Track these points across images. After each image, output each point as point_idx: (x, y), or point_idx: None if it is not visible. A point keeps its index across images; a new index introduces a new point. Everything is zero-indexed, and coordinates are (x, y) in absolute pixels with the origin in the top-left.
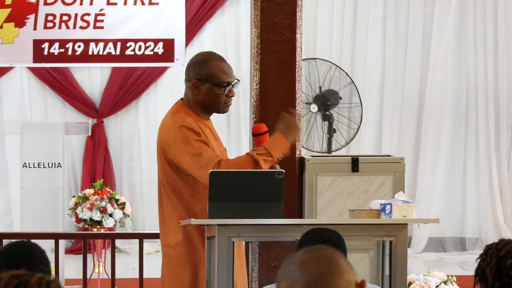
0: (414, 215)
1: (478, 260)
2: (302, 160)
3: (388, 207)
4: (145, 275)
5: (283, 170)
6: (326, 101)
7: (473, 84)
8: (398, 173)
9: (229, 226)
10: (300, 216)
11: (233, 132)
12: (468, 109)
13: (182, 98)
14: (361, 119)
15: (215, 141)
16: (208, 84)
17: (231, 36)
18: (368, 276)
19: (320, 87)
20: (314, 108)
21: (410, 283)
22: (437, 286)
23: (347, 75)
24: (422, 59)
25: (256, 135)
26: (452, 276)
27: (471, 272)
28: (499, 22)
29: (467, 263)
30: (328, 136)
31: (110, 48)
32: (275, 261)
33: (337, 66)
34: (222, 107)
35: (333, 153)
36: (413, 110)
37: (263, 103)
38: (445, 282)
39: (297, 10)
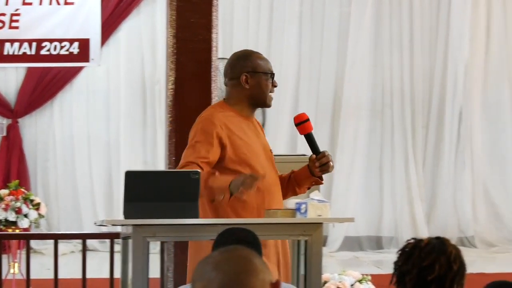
0: (329, 214)
1: (398, 261)
2: None
3: (303, 206)
4: (60, 276)
5: (199, 170)
6: None
7: (389, 84)
8: None
9: (144, 226)
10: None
11: (149, 132)
12: (384, 109)
13: (223, 100)
14: (264, 121)
15: (256, 139)
16: (257, 75)
17: (147, 36)
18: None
19: None
20: None
21: (325, 282)
22: (352, 285)
23: None
24: (338, 58)
25: (299, 124)
26: (367, 275)
27: (386, 271)
28: (415, 22)
29: (383, 262)
30: None
31: (25, 48)
32: None
33: None
34: (269, 99)
35: None
36: (329, 110)
37: (179, 102)
38: (360, 281)
39: (212, 9)
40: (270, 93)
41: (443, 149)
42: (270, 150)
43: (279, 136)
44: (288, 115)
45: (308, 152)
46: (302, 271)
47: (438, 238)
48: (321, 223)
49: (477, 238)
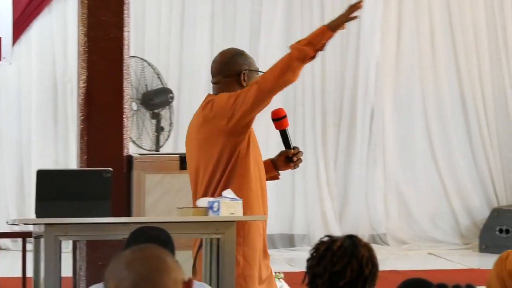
0: (242, 213)
1: (310, 262)
2: (129, 158)
3: (216, 204)
4: None
5: (111, 169)
6: (150, 99)
7: (300, 82)
8: None
9: (56, 225)
10: (128, 214)
11: (60, 131)
12: (295, 107)
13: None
14: (171, 121)
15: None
16: (252, 73)
17: (59, 34)
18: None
19: (146, 85)
20: (134, 106)
21: None
22: None
23: (158, 77)
24: None
25: (276, 119)
26: (279, 272)
27: (298, 268)
28: (326, 20)
29: (295, 260)
30: (156, 134)
31: None
32: (103, 260)
33: (151, 65)
34: None
35: (160, 151)
36: None
37: (90, 101)
38: None
39: (124, 8)
40: None
41: (355, 147)
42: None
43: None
44: None
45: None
46: (214, 269)
47: (351, 237)
48: (233, 221)
49: (389, 236)
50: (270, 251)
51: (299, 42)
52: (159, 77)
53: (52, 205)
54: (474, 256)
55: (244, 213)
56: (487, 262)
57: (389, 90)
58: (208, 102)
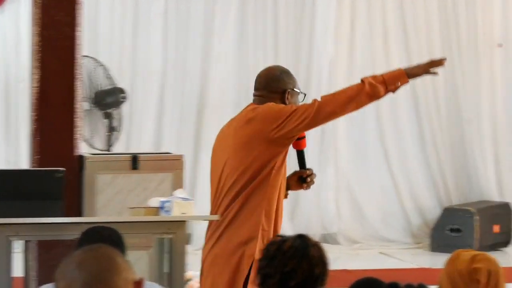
0: (194, 212)
1: (262, 262)
2: (81, 158)
3: (167, 204)
4: None
5: (63, 168)
6: (102, 99)
7: (254, 81)
8: (177, 171)
9: (6, 225)
10: (80, 214)
11: (12, 131)
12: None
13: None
14: (122, 121)
15: None
16: (295, 94)
17: (12, 34)
18: (147, 274)
19: (98, 85)
20: (86, 106)
21: (189, 280)
22: None
23: (110, 77)
24: (203, 56)
25: (296, 139)
26: None
27: None
28: (279, 19)
29: None
30: (108, 134)
31: None
32: (55, 261)
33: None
34: None
35: (112, 151)
36: (193, 108)
37: (43, 101)
38: None
39: (77, 7)
40: None
41: (307, 146)
42: None
43: (143, 134)
44: (154, 113)
45: (176, 151)
46: (166, 269)
47: (301, 237)
48: (185, 221)
49: (340, 235)
50: None
51: (374, 77)
52: (110, 77)
53: (4, 205)
54: (425, 255)
55: (268, 226)
56: (438, 261)
57: None
58: (253, 108)
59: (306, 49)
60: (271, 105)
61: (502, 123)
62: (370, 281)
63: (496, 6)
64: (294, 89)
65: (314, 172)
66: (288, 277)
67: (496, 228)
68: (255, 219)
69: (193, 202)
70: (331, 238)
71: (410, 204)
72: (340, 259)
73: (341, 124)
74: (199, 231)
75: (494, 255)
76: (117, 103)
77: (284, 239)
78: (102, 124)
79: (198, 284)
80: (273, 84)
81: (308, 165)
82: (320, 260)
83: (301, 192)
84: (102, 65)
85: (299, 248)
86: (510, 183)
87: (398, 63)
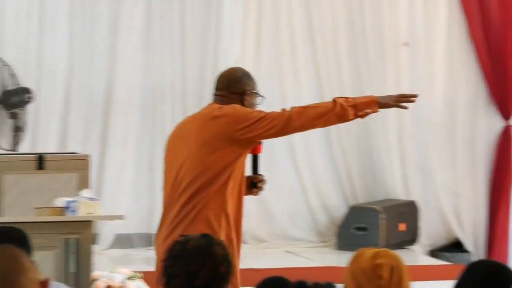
0: (100, 212)
1: (166, 262)
2: None
3: (73, 204)
4: None
5: None
6: (8, 99)
7: (160, 82)
8: (83, 170)
9: None
10: None
11: None
12: (155, 106)
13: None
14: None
15: None
16: (253, 96)
17: None
18: (53, 274)
19: (3, 85)
20: None
21: (95, 280)
22: (122, 282)
23: (14, 76)
24: (109, 56)
25: None
26: (138, 272)
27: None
28: (186, 19)
29: (154, 259)
30: (14, 133)
31: None
32: None
33: (7, 64)
34: None
35: (18, 151)
36: (100, 107)
37: None
38: (130, 278)
39: None
40: None
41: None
42: None
43: (49, 134)
44: (59, 112)
45: (82, 150)
46: (72, 269)
47: (205, 236)
48: (91, 221)
49: (247, 234)
50: (128, 251)
51: (346, 100)
52: (15, 77)
53: None
54: (332, 254)
55: (228, 226)
56: (344, 259)
57: None
58: (219, 107)
59: (212, 49)
60: (238, 106)
61: (407, 122)
62: (276, 280)
63: (401, 5)
64: (253, 91)
65: (264, 178)
66: (193, 276)
67: (402, 227)
68: (214, 218)
69: (100, 202)
70: None
71: (317, 203)
72: (247, 258)
73: None
74: (105, 231)
75: (400, 253)
76: (23, 103)
77: (188, 239)
78: (7, 124)
79: (104, 284)
80: (234, 85)
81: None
82: (224, 258)
83: None
84: (7, 65)
85: (203, 247)
86: (415, 181)
87: (304, 63)
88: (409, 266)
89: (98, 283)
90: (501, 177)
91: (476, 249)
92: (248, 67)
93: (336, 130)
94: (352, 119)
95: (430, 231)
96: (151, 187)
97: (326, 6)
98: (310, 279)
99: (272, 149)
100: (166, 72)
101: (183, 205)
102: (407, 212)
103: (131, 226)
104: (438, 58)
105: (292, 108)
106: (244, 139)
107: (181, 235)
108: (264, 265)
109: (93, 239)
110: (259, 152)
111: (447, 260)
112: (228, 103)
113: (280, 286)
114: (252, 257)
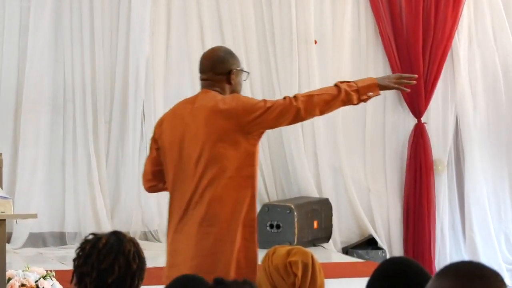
0: (12, 211)
1: (77, 261)
2: None
3: None
4: None
5: None
6: None
7: (71, 79)
8: None
9: None
10: None
11: None
12: (65, 104)
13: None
14: None
15: None
16: (239, 73)
17: None
18: None
19: None
20: None
21: (10, 279)
22: (36, 281)
23: None
24: (19, 53)
25: None
26: (51, 270)
27: (70, 266)
28: (96, 16)
29: (67, 258)
30: None
31: None
32: None
33: None
34: None
35: None
36: (10, 105)
37: None
38: (44, 277)
39: None
40: None
41: (127, 144)
42: None
43: None
44: None
45: None
46: None
47: (115, 233)
48: (4, 220)
49: (161, 232)
50: (41, 250)
51: (349, 85)
52: None
53: None
54: None
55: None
56: (258, 257)
57: (159, 88)
58: (222, 99)
59: (122, 47)
60: (241, 98)
61: (319, 120)
62: (191, 278)
63: (310, 3)
64: (238, 69)
65: None
66: (105, 274)
67: (316, 224)
68: (248, 219)
69: (12, 200)
70: (152, 236)
71: None
72: (161, 256)
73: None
74: (18, 230)
75: (314, 251)
76: None
77: (99, 237)
78: None
79: (19, 283)
80: (218, 66)
81: (130, 163)
82: (136, 254)
83: (122, 190)
84: None
85: (114, 244)
86: (328, 179)
87: None
88: (322, 263)
89: (12, 282)
90: (415, 173)
91: (390, 246)
92: (159, 66)
93: None
94: (356, 104)
95: (343, 228)
96: (63, 186)
97: (236, 4)
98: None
99: None
100: (76, 71)
101: (209, 204)
102: (320, 209)
103: (44, 225)
104: (347, 56)
105: (297, 97)
106: (256, 130)
107: (91, 234)
108: None
109: (5, 238)
110: None
111: (360, 257)
112: (216, 85)
113: (194, 284)
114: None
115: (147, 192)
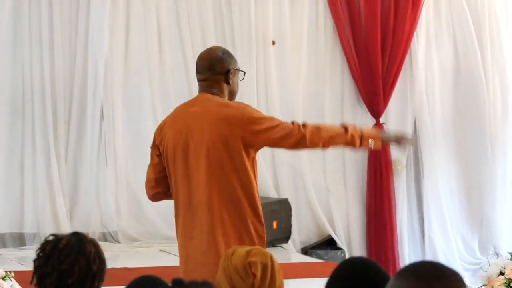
0: None
1: (38, 262)
2: None
3: None
4: None
5: None
6: None
7: (29, 80)
8: None
9: None
10: None
11: None
12: (24, 105)
13: (209, 93)
14: None
15: None
16: (237, 73)
17: None
18: None
19: None
20: None
21: None
22: None
23: None
24: None
25: None
26: (10, 271)
27: (30, 267)
28: (54, 16)
29: (26, 259)
30: None
31: None
32: None
33: None
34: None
35: None
36: None
37: None
38: (3, 278)
39: None
40: None
41: (85, 144)
42: None
43: None
44: None
45: None
46: None
47: (76, 235)
48: None
49: (120, 233)
50: (0, 251)
51: (355, 129)
52: None
53: None
54: None
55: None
56: None
57: (118, 88)
58: (225, 105)
59: (81, 47)
60: (249, 108)
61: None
62: (149, 279)
63: (269, 3)
64: (235, 68)
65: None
66: (65, 275)
67: (275, 224)
68: (252, 223)
69: None
70: (111, 236)
71: None
72: (120, 257)
73: (118, 122)
74: None
75: (273, 251)
76: None
77: (59, 238)
78: None
79: None
80: (217, 66)
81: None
82: (97, 256)
83: (80, 190)
84: None
85: (75, 245)
86: (287, 179)
87: (172, 62)
88: (281, 263)
89: None
90: (375, 174)
91: (350, 246)
92: (118, 66)
93: None
94: (356, 149)
95: (302, 228)
96: (22, 186)
97: (194, 4)
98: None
99: (143, 148)
100: (35, 71)
101: (214, 209)
102: (279, 210)
103: (3, 225)
104: (305, 57)
105: (306, 125)
106: (257, 144)
107: (51, 234)
108: (137, 264)
109: None
110: None
111: (319, 257)
112: (214, 86)
113: (153, 285)
114: (125, 256)
115: (106, 193)
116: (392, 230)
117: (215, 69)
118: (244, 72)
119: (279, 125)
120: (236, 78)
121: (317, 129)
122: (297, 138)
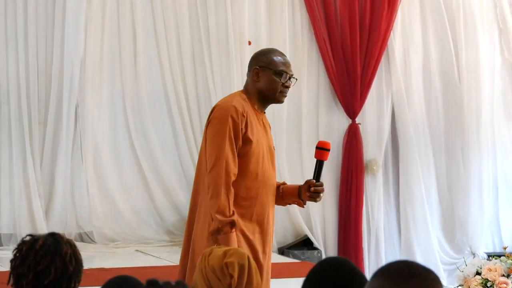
0: None
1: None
2: None
3: None
4: None
5: None
6: None
7: (5, 81)
8: None
9: None
10: None
11: None
12: (0, 106)
13: (243, 88)
14: None
15: (264, 134)
16: (267, 71)
17: None
18: None
19: None
20: None
21: None
22: None
23: None
24: None
25: (321, 148)
26: None
27: (6, 268)
28: (30, 17)
29: (3, 259)
30: None
31: None
32: None
33: None
34: (278, 95)
35: None
36: None
37: None
38: None
39: None
40: (281, 91)
41: (60, 145)
42: (273, 147)
43: None
44: None
45: None
46: None
47: (53, 235)
48: None
49: (96, 233)
50: None
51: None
52: None
53: None
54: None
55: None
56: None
57: (93, 89)
58: (216, 106)
59: (57, 48)
60: (214, 125)
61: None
62: (124, 279)
63: (246, 4)
64: (267, 67)
65: (322, 186)
66: (42, 275)
67: None
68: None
69: None
70: (87, 237)
71: (164, 201)
72: (96, 257)
73: (93, 123)
74: None
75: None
76: None
77: (36, 238)
78: None
79: None
80: (250, 63)
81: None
82: (73, 256)
83: (56, 190)
84: None
85: (51, 246)
86: None
87: (147, 62)
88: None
89: None
90: (347, 174)
91: (326, 246)
92: (93, 67)
93: (182, 128)
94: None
95: (279, 229)
96: None
97: (170, 4)
98: (161, 278)
99: (119, 148)
100: (11, 72)
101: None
102: None
103: None
104: None
105: (213, 219)
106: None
107: (28, 235)
108: (113, 265)
109: None
110: (325, 159)
111: (296, 257)
112: (249, 82)
113: (128, 285)
114: (101, 257)
115: (81, 193)
116: (357, 230)
117: (249, 67)
118: (286, 73)
119: (211, 172)
120: (266, 76)
121: (217, 192)
122: (211, 199)
